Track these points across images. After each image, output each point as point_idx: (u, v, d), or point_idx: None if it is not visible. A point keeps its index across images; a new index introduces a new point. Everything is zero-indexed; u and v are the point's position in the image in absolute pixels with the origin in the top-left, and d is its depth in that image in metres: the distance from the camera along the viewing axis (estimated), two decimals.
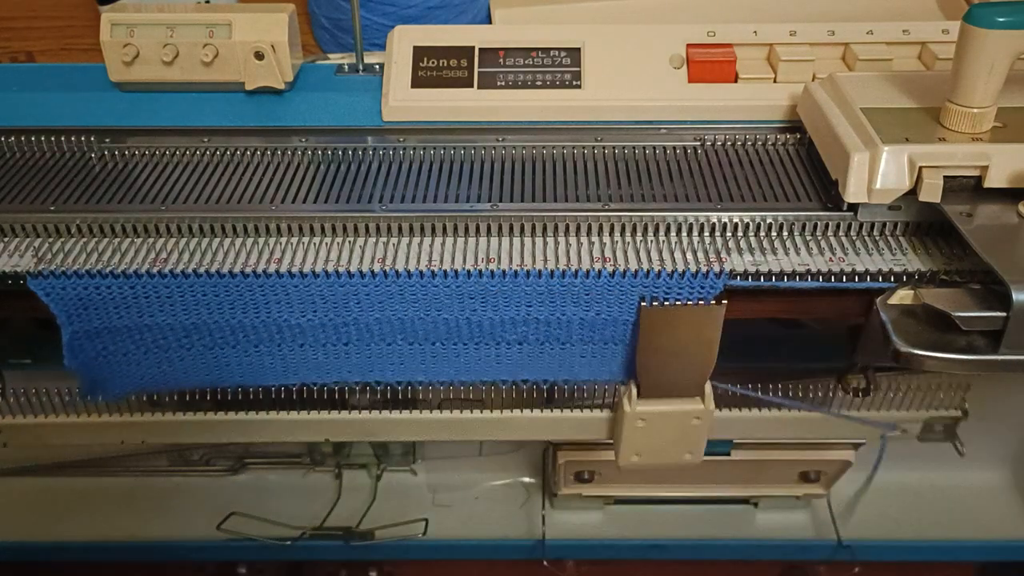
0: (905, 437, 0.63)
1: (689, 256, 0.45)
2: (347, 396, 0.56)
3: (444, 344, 0.47)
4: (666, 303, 0.44)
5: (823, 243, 0.46)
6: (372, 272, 0.44)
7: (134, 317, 0.45)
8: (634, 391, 0.49)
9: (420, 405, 0.55)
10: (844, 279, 0.44)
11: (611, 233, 0.46)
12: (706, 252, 0.45)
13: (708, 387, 0.49)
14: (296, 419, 0.54)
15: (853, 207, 0.45)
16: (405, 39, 0.55)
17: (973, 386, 0.69)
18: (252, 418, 0.53)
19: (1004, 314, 0.38)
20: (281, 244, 0.46)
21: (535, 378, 0.49)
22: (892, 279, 0.43)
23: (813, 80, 0.52)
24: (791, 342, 0.69)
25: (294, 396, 0.54)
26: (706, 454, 0.52)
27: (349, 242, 0.46)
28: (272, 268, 0.44)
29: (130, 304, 0.44)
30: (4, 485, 0.82)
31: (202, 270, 0.44)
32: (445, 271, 0.44)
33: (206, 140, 0.53)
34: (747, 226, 0.46)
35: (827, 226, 0.46)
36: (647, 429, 0.50)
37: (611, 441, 0.54)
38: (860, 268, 0.44)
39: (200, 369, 0.48)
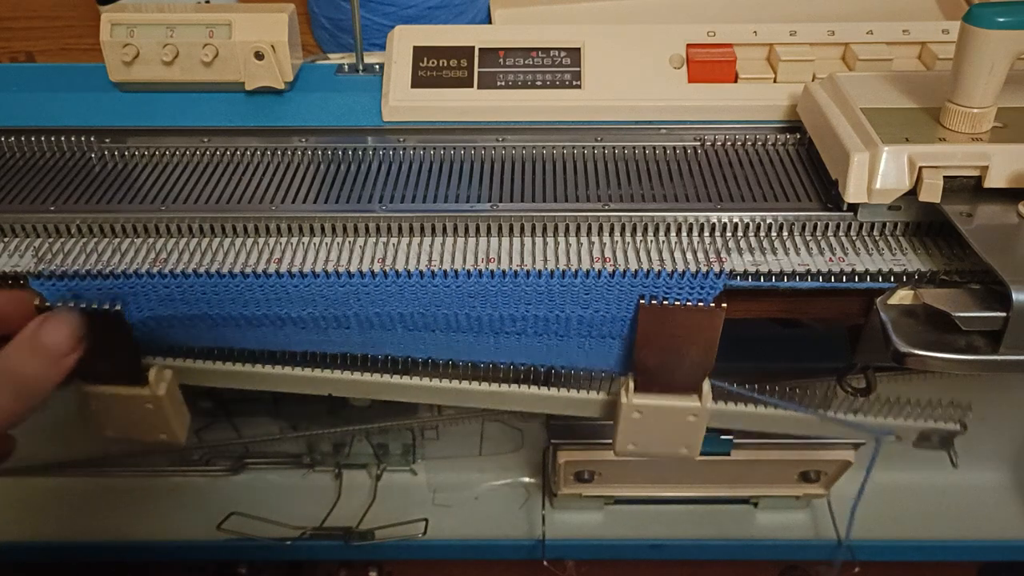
0: (901, 443, 0.63)
1: (689, 256, 0.45)
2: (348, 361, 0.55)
3: (443, 332, 0.47)
4: (665, 303, 0.44)
5: (823, 243, 0.46)
6: (372, 272, 0.44)
7: (133, 317, 0.45)
8: (631, 383, 0.49)
9: (420, 372, 0.55)
10: (844, 279, 0.44)
11: (611, 233, 0.46)
12: (706, 252, 0.45)
13: (706, 385, 0.49)
14: (296, 374, 0.53)
15: (853, 207, 0.45)
16: (405, 39, 0.55)
17: (973, 385, 0.69)
18: (249, 370, 0.52)
19: (1004, 314, 0.38)
20: (281, 244, 0.46)
21: (532, 363, 0.50)
22: (892, 279, 0.43)
23: (813, 80, 0.52)
24: (791, 342, 0.69)
25: (297, 356, 0.53)
26: (706, 454, 0.52)
27: (349, 242, 0.46)
28: (272, 268, 0.44)
29: (129, 304, 0.44)
30: (4, 485, 0.82)
31: (202, 270, 0.44)
32: (445, 271, 0.44)
33: (206, 140, 0.53)
34: (747, 226, 0.46)
35: (827, 226, 0.46)
36: (643, 421, 0.50)
37: (610, 441, 0.54)
38: (860, 268, 0.44)
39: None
